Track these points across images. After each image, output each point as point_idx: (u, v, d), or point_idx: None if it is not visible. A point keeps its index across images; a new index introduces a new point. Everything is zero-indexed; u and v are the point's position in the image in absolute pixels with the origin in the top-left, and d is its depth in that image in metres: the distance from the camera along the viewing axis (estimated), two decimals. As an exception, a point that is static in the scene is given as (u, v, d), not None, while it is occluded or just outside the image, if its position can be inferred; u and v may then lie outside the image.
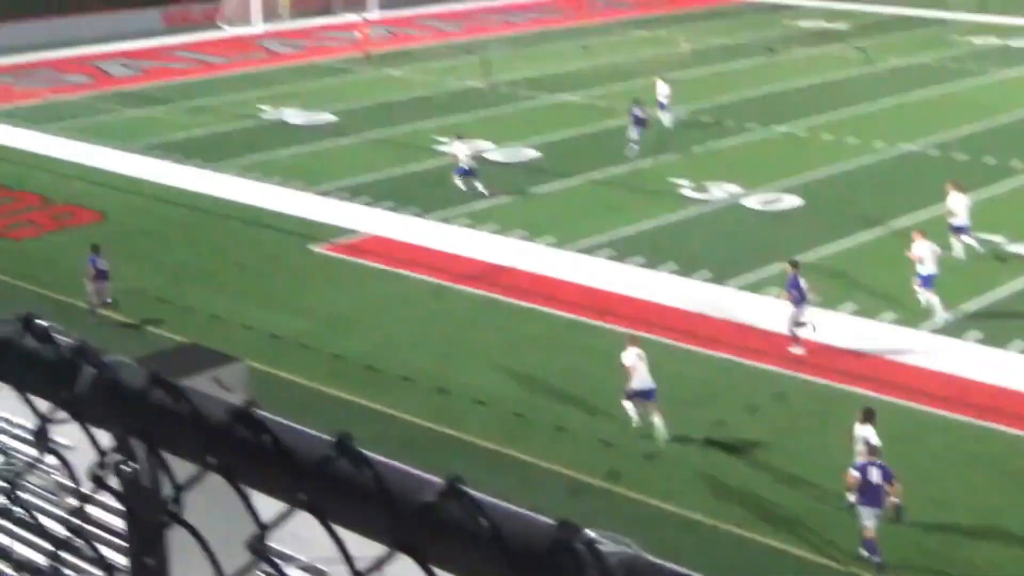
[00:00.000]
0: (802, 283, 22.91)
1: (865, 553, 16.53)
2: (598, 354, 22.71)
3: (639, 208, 31.28)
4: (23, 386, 2.03)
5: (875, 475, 16.35)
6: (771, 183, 33.17)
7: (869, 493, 16.35)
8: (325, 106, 43.08)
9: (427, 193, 32.71)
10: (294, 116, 41.76)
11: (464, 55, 52.30)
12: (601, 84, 45.85)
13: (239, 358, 2.13)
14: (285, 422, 1.71)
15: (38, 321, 2.05)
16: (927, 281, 24.25)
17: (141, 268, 27.67)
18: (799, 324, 22.77)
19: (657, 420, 19.78)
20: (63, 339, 2.04)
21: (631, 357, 20.14)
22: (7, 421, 15.59)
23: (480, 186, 32.07)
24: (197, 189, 33.55)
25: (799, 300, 22.80)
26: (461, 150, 32.67)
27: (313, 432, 1.70)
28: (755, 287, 25.87)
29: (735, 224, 30.22)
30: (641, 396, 20.01)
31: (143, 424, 1.87)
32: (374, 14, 62.61)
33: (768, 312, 24.27)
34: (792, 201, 31.83)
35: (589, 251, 28.29)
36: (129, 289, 26.13)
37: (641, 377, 19.98)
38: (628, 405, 20.10)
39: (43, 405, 2.01)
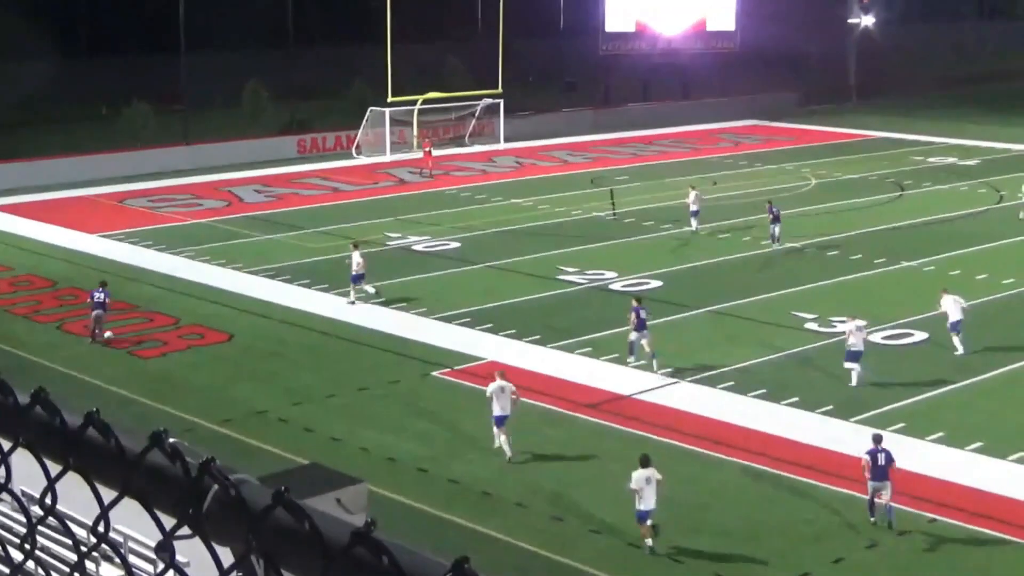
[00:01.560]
0: None
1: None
2: (714, 486, 22.40)
3: (761, 340, 31.02)
4: (149, 502, 2.08)
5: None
6: (897, 318, 32.71)
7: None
8: (451, 234, 43.68)
9: (549, 321, 32.84)
10: (420, 243, 42.38)
11: (590, 185, 52.79)
12: (725, 217, 45.85)
13: (361, 479, 2.17)
14: (405, 545, 1.74)
15: (166, 437, 2.10)
16: None
17: (264, 389, 28.10)
18: None
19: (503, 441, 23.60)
20: (190, 455, 2.09)
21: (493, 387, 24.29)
22: (126, 536, 15.80)
23: (369, 289, 34.72)
24: (322, 313, 34.10)
25: None
26: (355, 259, 34.81)
27: (431, 555, 1.73)
28: (878, 423, 25.38)
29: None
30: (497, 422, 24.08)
31: (265, 543, 1.90)
32: (501, 145, 63.68)
33: (893, 450, 23.78)
34: (919, 336, 31.33)
35: (709, 382, 28.06)
36: (251, 410, 26.57)
37: (503, 406, 24.10)
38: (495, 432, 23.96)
39: (167, 520, 2.05)
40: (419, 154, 58.71)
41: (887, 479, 21.07)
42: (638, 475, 20.42)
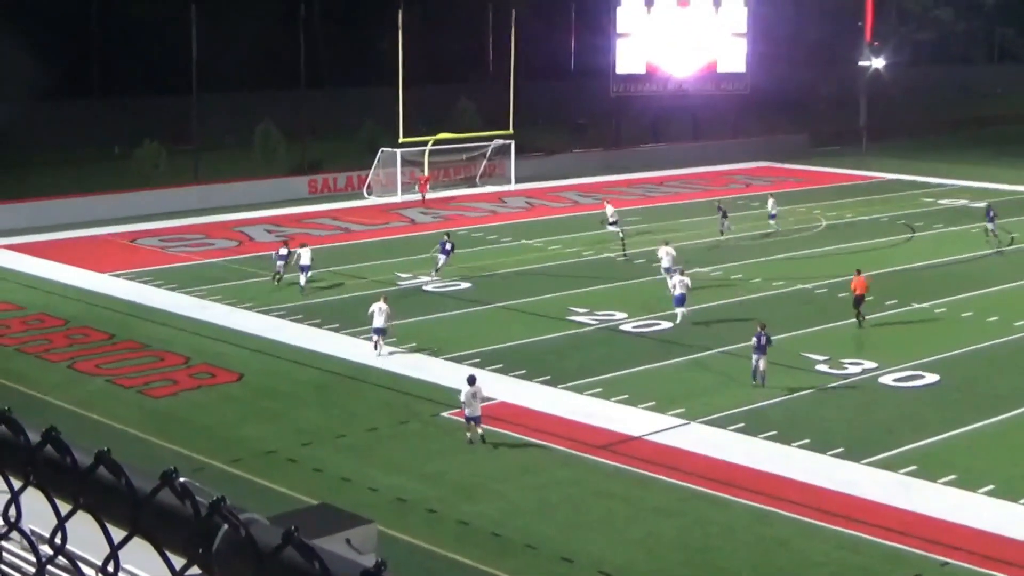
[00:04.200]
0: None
1: None
2: (723, 528, 22.32)
3: (772, 382, 30.93)
4: (159, 541, 2.08)
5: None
6: (909, 360, 32.64)
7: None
8: (461, 274, 43.72)
9: (559, 362, 32.82)
10: (431, 283, 42.42)
11: (600, 226, 52.87)
12: (735, 259, 45.88)
13: (371, 520, 2.17)
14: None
15: (176, 477, 2.11)
16: None
17: (274, 429, 28.09)
18: None
19: None
20: (200, 495, 2.09)
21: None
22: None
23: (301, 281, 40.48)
24: (333, 353, 34.10)
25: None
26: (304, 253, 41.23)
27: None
28: (890, 465, 25.29)
29: (870, 400, 29.70)
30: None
31: (275, 582, 1.90)
32: (512, 186, 63.83)
33: (903, 493, 23.70)
34: (930, 378, 31.25)
35: (720, 423, 28.00)
36: (261, 450, 26.55)
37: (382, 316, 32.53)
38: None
39: (177, 560, 2.05)
40: (437, 193, 59.09)
41: (764, 353, 30.26)
42: (466, 391, 26.79)
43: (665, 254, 41.08)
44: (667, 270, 40.41)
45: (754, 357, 30.89)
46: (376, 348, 33.74)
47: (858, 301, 36.11)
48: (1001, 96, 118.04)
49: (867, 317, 36.26)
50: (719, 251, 47.04)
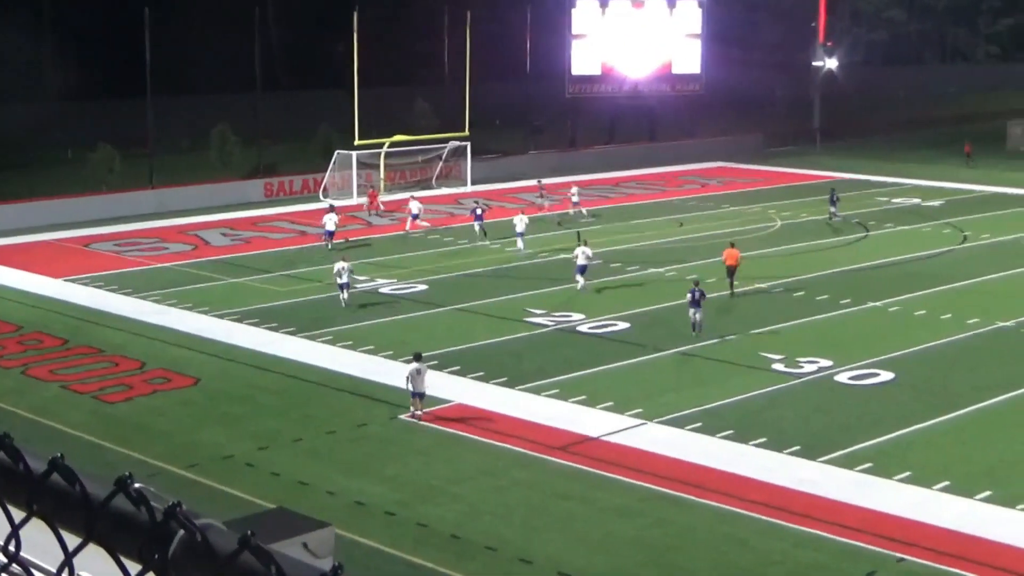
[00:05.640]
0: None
1: None
2: (682, 527, 22.41)
3: (729, 381, 31.11)
4: (115, 548, 2.07)
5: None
6: (864, 358, 32.89)
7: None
8: (418, 276, 43.67)
9: (516, 364, 32.84)
10: (387, 286, 42.35)
11: (556, 227, 52.98)
12: (690, 259, 46.08)
13: (328, 523, 2.17)
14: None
15: (131, 482, 2.10)
16: None
17: (231, 433, 27.96)
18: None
19: None
20: (155, 500, 2.08)
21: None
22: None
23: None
24: (290, 356, 33.98)
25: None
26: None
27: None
28: (846, 463, 25.47)
29: (826, 399, 29.90)
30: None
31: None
32: (468, 188, 63.82)
33: (859, 490, 23.88)
34: (885, 376, 31.50)
35: (677, 423, 28.10)
36: (218, 455, 26.43)
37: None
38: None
39: (133, 567, 2.04)
40: (393, 196, 58.96)
41: (699, 307, 34.51)
42: (411, 368, 28.09)
43: (580, 252, 41.52)
44: (581, 268, 41.40)
45: (691, 311, 35.02)
46: (345, 302, 38.85)
47: (730, 272, 39.95)
48: (953, 95, 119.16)
49: (738, 290, 40.16)
50: (674, 252, 47.21)
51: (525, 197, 62.47)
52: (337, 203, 55.69)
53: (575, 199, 56.46)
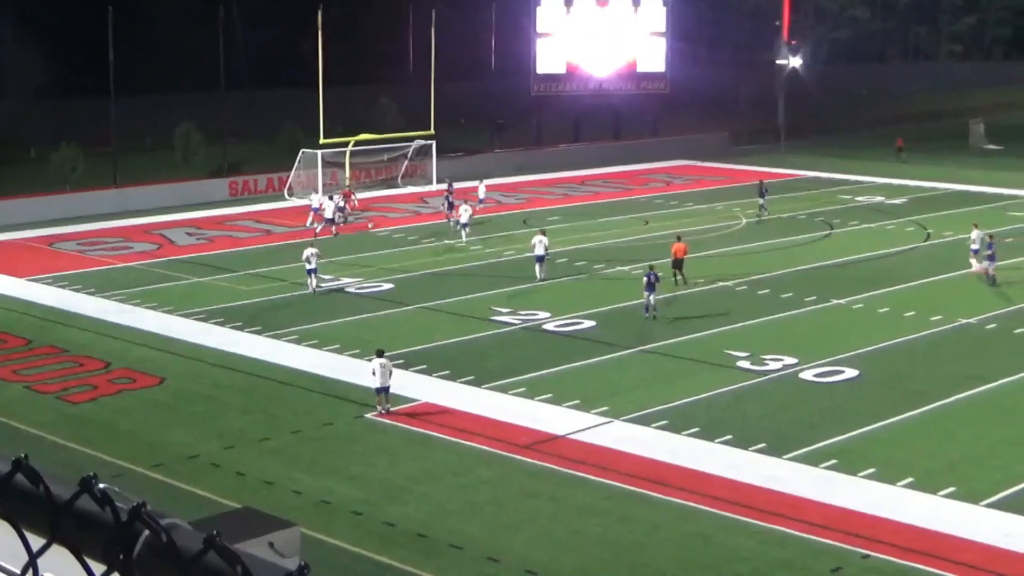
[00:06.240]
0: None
1: None
2: (649, 525, 22.47)
3: (695, 379, 31.20)
4: (79, 548, 2.06)
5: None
6: (828, 355, 33.06)
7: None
8: (384, 275, 43.60)
9: (482, 362, 32.84)
10: (353, 284, 42.27)
11: (523, 226, 52.99)
12: (655, 257, 46.15)
13: (294, 523, 2.17)
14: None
15: (96, 483, 2.09)
16: None
17: (196, 433, 27.84)
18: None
19: None
20: (120, 501, 2.07)
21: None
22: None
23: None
24: (255, 356, 33.86)
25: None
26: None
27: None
28: (811, 460, 25.60)
29: (791, 396, 30.04)
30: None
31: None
32: (433, 187, 63.77)
33: (824, 487, 24.00)
34: (849, 373, 31.68)
35: (643, 421, 28.17)
36: (183, 455, 26.31)
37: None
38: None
39: (98, 567, 2.04)
40: (356, 196, 58.76)
41: (654, 291, 36.23)
42: (375, 363, 28.41)
43: (538, 242, 42.54)
44: (539, 258, 42.57)
45: (646, 294, 36.88)
46: (313, 288, 40.34)
47: (678, 264, 41.33)
48: (915, 94, 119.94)
49: (687, 280, 41.46)
50: (640, 250, 47.32)
51: (489, 196, 62.51)
52: (300, 202, 55.46)
53: (481, 195, 58.07)
